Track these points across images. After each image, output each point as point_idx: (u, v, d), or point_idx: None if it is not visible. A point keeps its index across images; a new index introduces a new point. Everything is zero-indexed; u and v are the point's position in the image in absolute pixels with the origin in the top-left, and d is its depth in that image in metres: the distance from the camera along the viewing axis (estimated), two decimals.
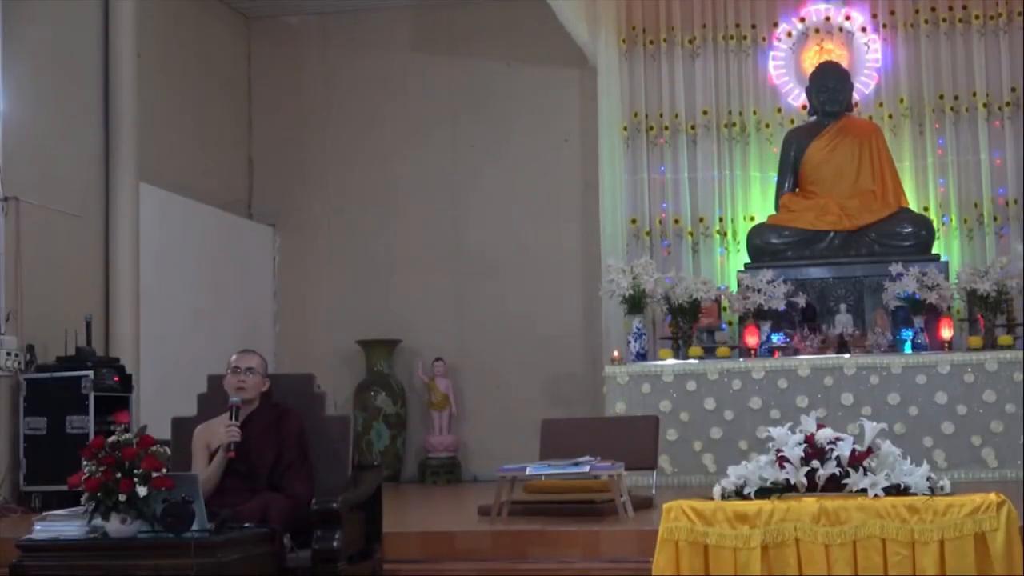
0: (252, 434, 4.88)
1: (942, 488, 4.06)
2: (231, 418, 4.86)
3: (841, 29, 10.36)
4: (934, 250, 9.50)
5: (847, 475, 4.05)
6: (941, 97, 10.06)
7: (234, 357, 5.06)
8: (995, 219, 9.85)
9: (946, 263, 9.33)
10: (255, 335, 10.34)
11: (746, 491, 4.12)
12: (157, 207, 9.41)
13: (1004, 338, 8.67)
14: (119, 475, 4.06)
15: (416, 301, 10.91)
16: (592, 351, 10.36)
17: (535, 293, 10.73)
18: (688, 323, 9.13)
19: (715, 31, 10.40)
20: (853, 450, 4.06)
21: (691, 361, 8.88)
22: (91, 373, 7.84)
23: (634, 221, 10.30)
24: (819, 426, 4.17)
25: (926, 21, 10.15)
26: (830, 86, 9.89)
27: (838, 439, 4.10)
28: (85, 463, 4.14)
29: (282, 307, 11.28)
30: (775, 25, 10.44)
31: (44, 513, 4.48)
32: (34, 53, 8.35)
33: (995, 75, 10.01)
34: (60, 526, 4.22)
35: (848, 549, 3.93)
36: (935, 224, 9.70)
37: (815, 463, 4.07)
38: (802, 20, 10.42)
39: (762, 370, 8.66)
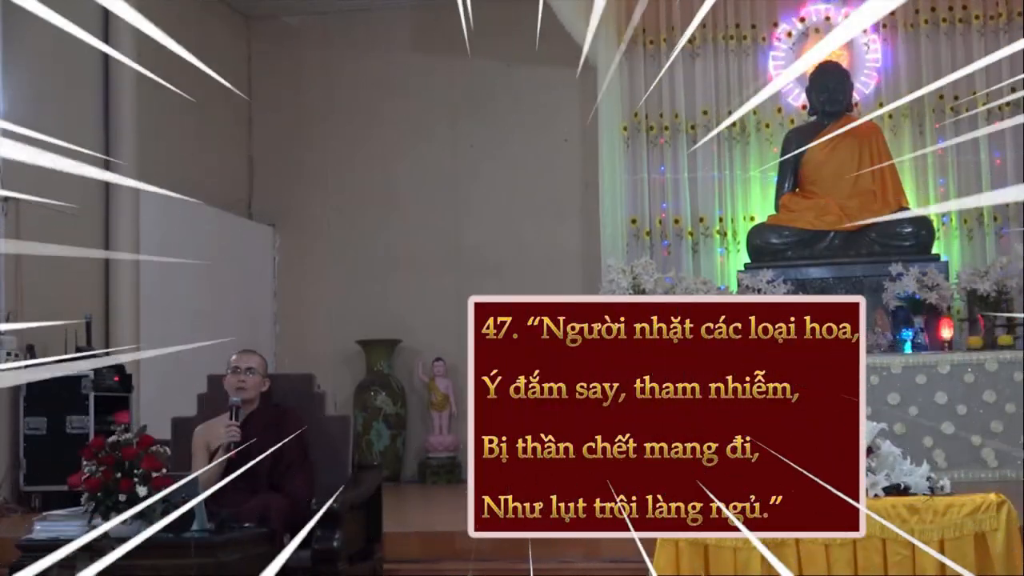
0: (252, 434, 4.88)
1: (942, 488, 4.06)
2: (231, 418, 4.87)
3: None
4: (934, 250, 9.49)
5: None
6: (941, 97, 10.06)
7: (234, 357, 5.07)
8: (995, 219, 9.85)
9: (946, 263, 9.33)
10: (255, 335, 10.34)
11: None
12: (157, 207, 9.41)
13: (1004, 338, 8.67)
14: (119, 475, 4.06)
15: (416, 301, 10.90)
16: None
17: (535, 293, 10.61)
18: None
19: (715, 31, 10.40)
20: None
21: None
22: (91, 373, 7.84)
23: (634, 221, 10.29)
24: None
25: (926, 21, 10.15)
26: (830, 86, 9.88)
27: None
28: (85, 463, 4.14)
29: (282, 307, 11.27)
30: (775, 25, 10.44)
31: (44, 513, 4.48)
32: (34, 53, 8.35)
33: (995, 75, 10.00)
34: (60, 526, 4.22)
35: (848, 549, 3.92)
36: (935, 224, 9.70)
37: None
38: (802, 20, 10.41)
39: None
